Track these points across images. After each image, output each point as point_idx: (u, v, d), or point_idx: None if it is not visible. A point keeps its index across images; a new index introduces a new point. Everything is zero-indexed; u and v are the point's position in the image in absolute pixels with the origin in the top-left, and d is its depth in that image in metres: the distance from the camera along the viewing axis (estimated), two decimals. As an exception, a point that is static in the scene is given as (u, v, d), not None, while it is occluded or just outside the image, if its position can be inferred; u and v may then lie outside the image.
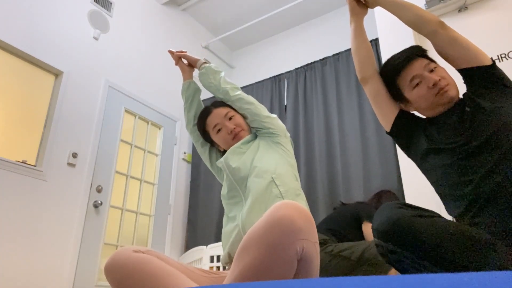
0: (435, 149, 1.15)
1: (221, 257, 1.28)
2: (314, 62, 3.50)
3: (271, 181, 1.22)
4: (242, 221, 1.18)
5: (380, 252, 0.98)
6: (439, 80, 1.17)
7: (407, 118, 1.29)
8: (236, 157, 1.34)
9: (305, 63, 3.57)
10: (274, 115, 1.45)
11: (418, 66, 1.21)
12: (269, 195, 1.19)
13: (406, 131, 1.27)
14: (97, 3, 3.30)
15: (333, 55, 3.39)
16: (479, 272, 0.46)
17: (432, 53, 1.29)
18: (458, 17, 2.48)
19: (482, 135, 1.06)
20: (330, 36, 4.10)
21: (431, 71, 1.20)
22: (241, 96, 1.45)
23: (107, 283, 2.85)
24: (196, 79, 1.63)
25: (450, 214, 1.15)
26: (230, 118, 1.43)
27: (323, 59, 3.45)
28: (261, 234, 0.82)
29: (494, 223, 0.97)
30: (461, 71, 1.22)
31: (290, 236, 0.80)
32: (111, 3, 3.44)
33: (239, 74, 4.75)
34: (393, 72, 1.26)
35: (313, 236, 0.86)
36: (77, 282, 2.63)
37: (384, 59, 2.64)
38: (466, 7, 2.46)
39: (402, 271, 0.97)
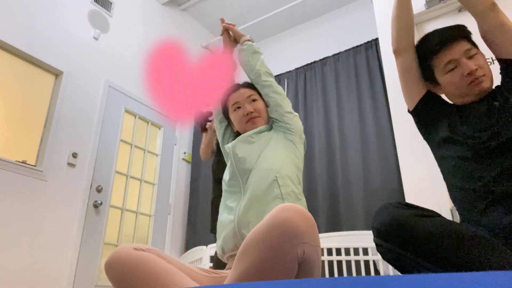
0: (455, 139, 1.12)
1: (216, 245, 1.28)
2: (314, 62, 3.50)
3: (274, 180, 1.20)
4: (238, 218, 1.18)
5: (379, 251, 0.98)
6: (476, 69, 1.10)
7: (433, 101, 1.23)
8: (244, 146, 1.32)
9: (305, 63, 3.58)
10: (296, 114, 1.42)
11: (457, 49, 1.14)
12: (269, 194, 1.18)
13: (429, 114, 1.21)
14: (97, 3, 3.30)
15: (333, 55, 3.40)
16: (479, 272, 0.46)
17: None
18: (458, 17, 2.48)
19: (504, 134, 1.03)
20: (330, 36, 4.10)
21: (470, 57, 1.13)
22: (271, 83, 1.43)
23: (107, 283, 2.85)
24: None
25: (455, 205, 1.14)
26: (252, 101, 1.41)
27: (323, 59, 3.45)
28: (262, 237, 0.82)
29: (500, 223, 0.97)
30: (501, 61, 1.15)
31: (291, 240, 0.80)
32: (111, 3, 3.44)
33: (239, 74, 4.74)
34: (430, 51, 1.19)
35: (315, 240, 0.85)
36: (77, 282, 2.63)
37: (384, 59, 2.64)
38: (466, 7, 2.46)
39: (402, 271, 0.97)
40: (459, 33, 1.17)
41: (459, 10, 2.49)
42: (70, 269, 2.60)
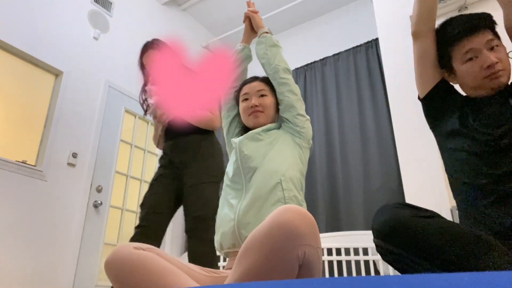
0: (464, 133, 1.09)
1: (215, 239, 1.28)
2: (314, 62, 3.50)
3: (278, 183, 1.19)
4: (238, 218, 1.17)
5: (379, 252, 0.98)
6: (496, 63, 1.07)
7: (446, 90, 1.19)
8: (251, 144, 1.31)
9: (305, 63, 3.58)
10: (308, 117, 1.39)
11: (479, 39, 1.09)
12: (272, 197, 1.17)
13: (440, 103, 1.18)
14: (97, 3, 3.30)
15: (333, 55, 3.40)
16: (479, 272, 0.46)
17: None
18: (458, 17, 2.48)
19: None
20: (330, 36, 4.10)
21: (491, 48, 1.09)
22: (288, 81, 1.39)
23: (107, 283, 2.85)
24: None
25: (457, 199, 1.12)
26: (261, 96, 1.39)
27: (323, 59, 3.45)
28: (263, 238, 0.82)
29: (501, 222, 0.96)
30: None
31: (292, 241, 0.79)
32: (111, 3, 3.44)
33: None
34: (451, 37, 1.14)
35: (316, 242, 0.85)
36: (77, 282, 2.63)
37: (384, 59, 2.64)
38: (466, 7, 2.46)
39: (402, 271, 0.97)
40: (484, 22, 1.12)
41: (459, 10, 2.49)
42: (70, 269, 2.60)
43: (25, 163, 2.53)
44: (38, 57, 2.73)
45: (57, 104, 2.78)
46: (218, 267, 1.78)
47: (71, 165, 2.78)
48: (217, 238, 1.25)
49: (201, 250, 1.74)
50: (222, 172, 1.81)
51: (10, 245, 2.32)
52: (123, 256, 0.95)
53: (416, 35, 1.21)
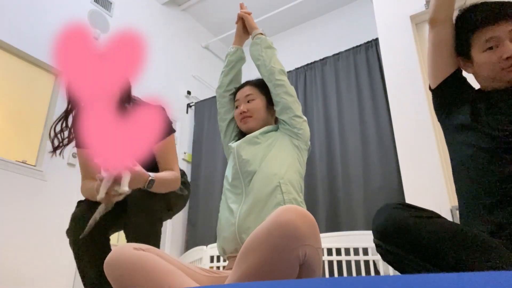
0: (476, 127, 1.06)
1: (216, 244, 1.29)
2: (314, 62, 3.50)
3: (277, 186, 1.19)
4: (239, 223, 1.18)
5: (379, 252, 0.98)
6: None
7: (459, 82, 1.16)
8: (249, 147, 1.31)
9: (305, 63, 3.57)
10: (305, 118, 1.38)
11: (503, 28, 1.05)
12: (272, 200, 1.18)
13: (453, 95, 1.14)
14: (97, 3, 3.29)
15: (333, 55, 3.39)
16: (479, 272, 0.46)
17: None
18: (458, 17, 2.48)
19: None
20: (330, 36, 4.10)
21: None
22: (284, 83, 1.38)
23: (107, 283, 2.84)
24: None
25: (459, 196, 1.10)
26: (249, 101, 1.40)
27: (323, 59, 3.45)
28: (263, 238, 0.82)
29: (504, 223, 0.95)
30: None
31: (292, 241, 0.79)
32: (111, 3, 3.44)
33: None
34: (473, 24, 1.10)
35: (316, 242, 0.85)
36: (77, 282, 2.63)
37: (384, 59, 2.64)
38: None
39: (402, 271, 0.97)
40: (509, 11, 1.07)
41: (459, 10, 2.48)
42: (70, 269, 2.60)
43: (25, 163, 2.53)
44: (38, 57, 2.73)
45: (57, 104, 2.78)
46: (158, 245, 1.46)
47: (71, 165, 2.78)
48: (219, 243, 1.26)
49: (145, 223, 1.41)
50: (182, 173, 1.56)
51: (10, 245, 2.32)
52: (123, 257, 0.95)
53: (433, 22, 1.17)
